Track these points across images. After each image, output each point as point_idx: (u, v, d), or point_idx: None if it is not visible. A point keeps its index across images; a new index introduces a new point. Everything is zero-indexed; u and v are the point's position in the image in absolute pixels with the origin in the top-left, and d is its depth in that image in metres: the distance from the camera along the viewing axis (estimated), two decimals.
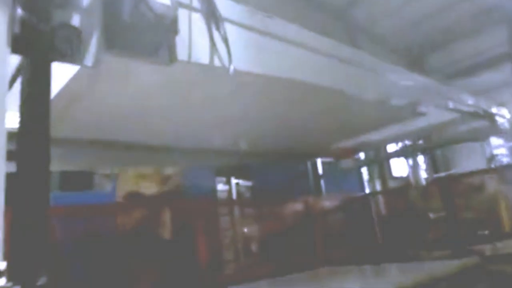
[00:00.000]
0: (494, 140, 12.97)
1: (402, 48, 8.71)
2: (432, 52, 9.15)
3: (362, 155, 6.33)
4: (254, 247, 5.22)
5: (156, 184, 5.99)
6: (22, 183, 1.42)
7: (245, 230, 5.21)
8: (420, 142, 5.56)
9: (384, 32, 8.15)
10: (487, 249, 5.11)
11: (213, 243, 4.71)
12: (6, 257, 1.31)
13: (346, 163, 6.15)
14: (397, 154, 7.36)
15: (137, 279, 3.98)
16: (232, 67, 2.27)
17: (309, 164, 6.99)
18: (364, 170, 8.97)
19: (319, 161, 7.64)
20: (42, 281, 1.35)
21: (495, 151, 12.00)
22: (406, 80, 3.60)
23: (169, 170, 5.88)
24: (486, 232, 5.54)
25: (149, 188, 5.92)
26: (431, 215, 6.20)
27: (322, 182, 7.26)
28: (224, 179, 6.59)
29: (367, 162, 7.26)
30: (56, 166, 3.81)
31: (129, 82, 2.57)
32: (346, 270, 4.53)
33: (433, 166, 12.07)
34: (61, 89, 2.32)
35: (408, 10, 7.54)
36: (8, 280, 1.28)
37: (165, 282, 3.93)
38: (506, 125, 4.48)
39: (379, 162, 7.82)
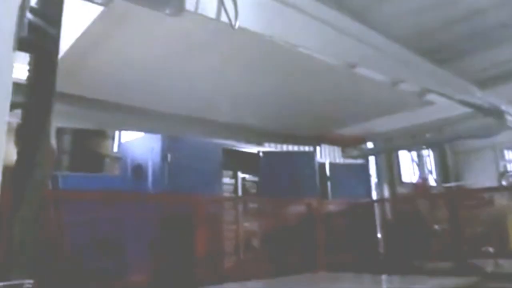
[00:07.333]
0: (510, 154, 12.68)
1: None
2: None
3: (369, 145, 6.16)
4: (255, 243, 5.21)
5: None
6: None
7: (247, 225, 5.21)
8: (427, 136, 5.46)
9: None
10: (489, 265, 5.04)
11: (214, 236, 4.71)
12: None
13: (352, 151, 6.00)
14: (405, 146, 7.14)
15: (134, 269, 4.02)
16: (237, 23, 2.17)
17: (316, 165, 6.92)
18: (373, 174, 8.86)
19: (327, 163, 7.57)
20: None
21: (509, 166, 11.72)
22: (416, 67, 3.47)
23: None
24: (490, 248, 5.46)
25: None
26: (436, 227, 6.13)
27: (328, 183, 7.21)
28: (230, 172, 6.55)
29: (373, 152, 7.05)
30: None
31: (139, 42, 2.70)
32: (344, 276, 4.51)
33: (444, 175, 11.89)
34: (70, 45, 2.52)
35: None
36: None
37: (160, 274, 3.95)
38: None
39: (387, 152, 7.58)
